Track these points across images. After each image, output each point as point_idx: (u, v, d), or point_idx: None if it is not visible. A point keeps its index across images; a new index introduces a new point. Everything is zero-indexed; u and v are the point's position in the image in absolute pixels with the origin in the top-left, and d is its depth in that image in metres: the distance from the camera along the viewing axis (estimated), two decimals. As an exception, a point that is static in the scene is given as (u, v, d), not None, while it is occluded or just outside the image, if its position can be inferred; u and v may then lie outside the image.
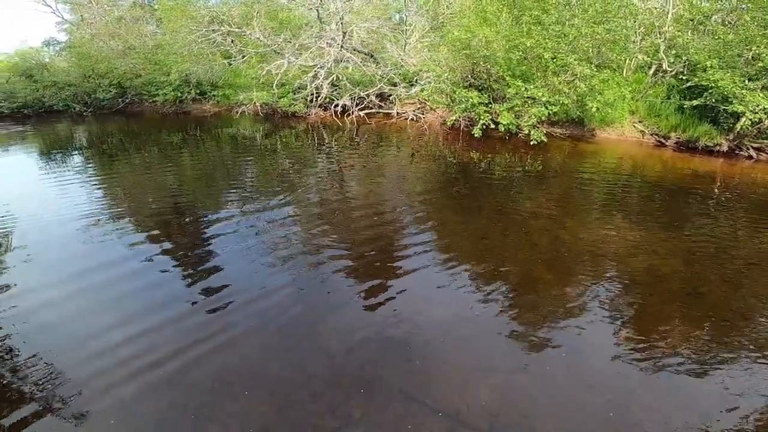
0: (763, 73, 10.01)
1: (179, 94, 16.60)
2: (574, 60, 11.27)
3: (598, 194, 7.79)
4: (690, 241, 5.76)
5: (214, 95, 17.33)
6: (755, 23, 10.50)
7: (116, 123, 15.61)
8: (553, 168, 9.66)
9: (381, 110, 15.10)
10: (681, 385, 3.29)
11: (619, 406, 3.08)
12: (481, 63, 12.50)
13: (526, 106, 11.73)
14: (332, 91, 15.14)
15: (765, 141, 10.49)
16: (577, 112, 12.36)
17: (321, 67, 14.65)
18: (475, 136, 11.72)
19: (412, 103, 15.32)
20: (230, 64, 17.50)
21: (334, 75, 14.83)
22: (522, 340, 3.73)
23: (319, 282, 4.61)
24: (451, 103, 12.96)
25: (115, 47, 17.79)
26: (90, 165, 9.83)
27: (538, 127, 11.26)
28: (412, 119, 14.22)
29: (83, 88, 17.00)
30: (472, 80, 13.00)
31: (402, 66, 15.52)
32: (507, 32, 12.03)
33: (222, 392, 3.15)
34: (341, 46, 14.83)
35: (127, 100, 17.62)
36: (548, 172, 9.38)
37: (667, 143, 11.51)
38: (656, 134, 11.86)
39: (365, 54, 15.84)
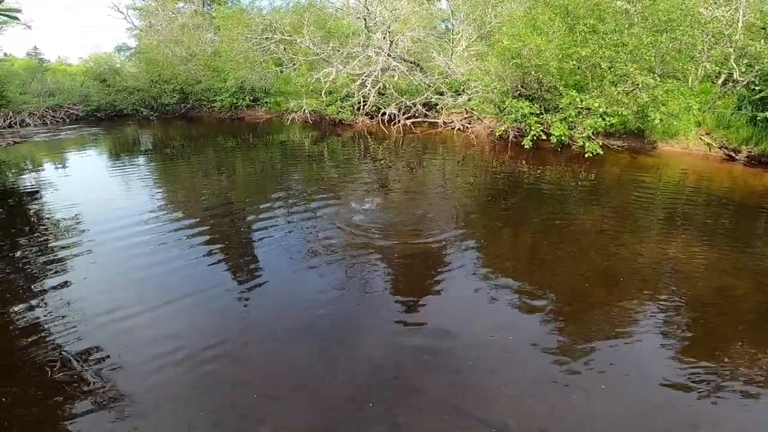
0: None
1: (235, 101, 17.45)
2: (635, 69, 10.74)
3: (659, 210, 7.31)
4: (761, 261, 5.25)
5: (266, 102, 18.06)
6: None
7: (178, 127, 16.65)
8: (609, 181, 9.19)
9: (427, 119, 15.09)
10: (748, 406, 2.97)
11: (680, 427, 2.83)
12: (532, 72, 12.18)
13: (581, 117, 11.29)
14: (379, 100, 15.33)
15: None
16: (637, 124, 11.72)
17: (368, 76, 14.90)
18: (525, 147, 11.40)
19: (459, 113, 15.19)
20: (281, 72, 18.19)
21: (381, 83, 15.02)
22: (574, 357, 3.53)
23: (361, 288, 4.62)
24: (500, 113, 12.71)
25: (179, 53, 19.03)
26: (153, 167, 10.55)
27: (593, 139, 10.78)
28: (459, 129, 14.08)
29: (150, 93, 18.29)
30: (523, 90, 12.69)
31: (448, 75, 15.47)
32: (560, 41, 11.68)
33: (266, 394, 3.20)
34: (388, 55, 15.02)
35: (188, 106, 18.76)
36: (604, 185, 8.93)
37: (737, 157, 10.61)
38: (725, 147, 10.98)
39: (411, 63, 15.95)
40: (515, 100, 12.11)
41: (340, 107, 15.48)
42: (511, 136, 12.39)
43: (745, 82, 11.95)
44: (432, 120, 14.98)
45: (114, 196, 7.95)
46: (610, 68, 10.97)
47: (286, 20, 17.47)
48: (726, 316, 4.16)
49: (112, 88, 18.50)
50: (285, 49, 17.75)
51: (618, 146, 11.93)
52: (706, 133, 11.60)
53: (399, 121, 14.62)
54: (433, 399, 3.16)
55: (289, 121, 15.55)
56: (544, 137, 11.54)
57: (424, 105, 15.36)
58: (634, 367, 3.43)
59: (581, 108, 11.21)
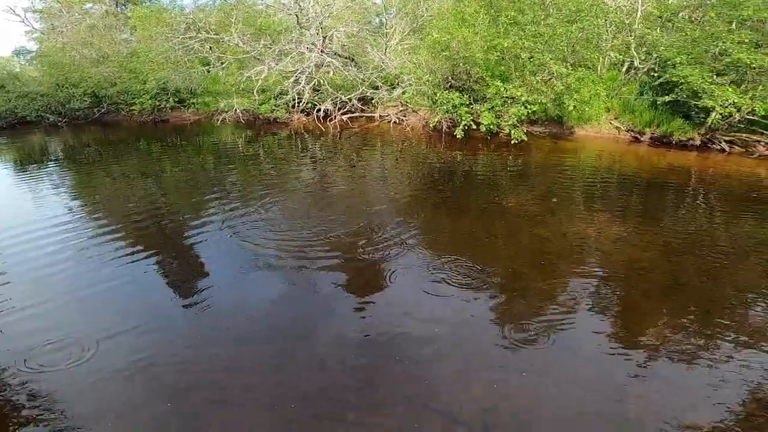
0: (731, 68, 10.35)
1: (157, 103, 16.31)
2: (550, 59, 11.52)
3: (579, 190, 7.97)
4: (668, 234, 5.93)
5: (193, 103, 17.08)
6: (720, 19, 10.86)
7: (92, 133, 15.25)
8: (534, 166, 9.84)
9: (363, 114, 15.13)
10: (668, 377, 3.37)
11: (609, 401, 3.15)
12: (461, 64, 12.65)
13: (506, 106, 11.92)
14: (314, 96, 15.10)
15: (736, 134, 10.87)
16: (556, 111, 12.60)
17: (302, 72, 14.61)
18: (458, 137, 11.84)
19: (395, 106, 15.39)
20: (209, 71, 17.28)
21: (316, 80, 14.80)
22: (511, 339, 3.78)
23: (306, 287, 4.60)
24: (433, 105, 13.07)
25: (88, 55, 17.37)
26: (66, 176, 9.58)
27: (518, 127, 11.44)
28: (395, 122, 14.29)
29: (56, 97, 16.54)
30: (453, 81, 13.13)
31: (383, 69, 15.60)
32: (485, 33, 12.21)
33: (212, 399, 3.10)
34: (321, 51, 14.82)
35: (103, 110, 17.22)
36: (530, 170, 9.55)
37: (642, 139, 11.83)
38: (631, 130, 12.18)
39: (346, 58, 15.87)
40: (446, 91, 12.51)
41: (274, 105, 15.04)
42: (444, 127, 12.80)
43: (645, 69, 13.24)
44: (368, 114, 15.05)
45: (22, 206, 7.15)
46: (529, 58, 11.66)
47: (212, 18, 16.62)
48: (639, 288, 4.63)
49: (11, 93, 16.51)
50: (211, 48, 16.88)
51: (541, 132, 12.78)
52: (615, 118, 12.77)
53: (335, 117, 14.52)
54: (381, 393, 3.24)
55: (219, 122, 14.84)
56: (474, 127, 12.05)
57: (360, 100, 15.37)
58: (563, 345, 3.74)
59: (506, 97, 11.83)
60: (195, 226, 6.25)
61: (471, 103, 12.49)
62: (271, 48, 15.20)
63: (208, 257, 5.27)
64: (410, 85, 13.89)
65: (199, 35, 15.88)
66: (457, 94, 12.27)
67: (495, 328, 3.94)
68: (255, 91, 14.63)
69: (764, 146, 10.43)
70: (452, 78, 13.24)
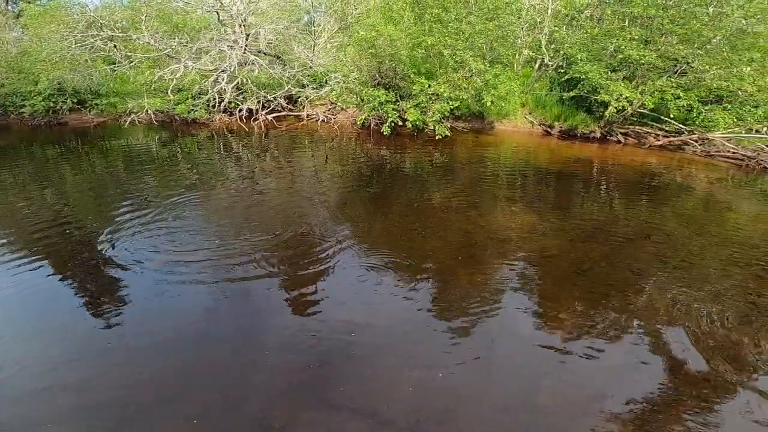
0: (624, 64, 11.48)
1: (51, 104, 14.51)
2: (470, 56, 12.01)
3: (497, 183, 8.44)
4: (573, 222, 6.49)
5: (96, 104, 15.43)
6: (615, 17, 11.97)
7: (-28, 140, 13.18)
8: (458, 160, 10.24)
9: (291, 113, 14.71)
10: (576, 364, 3.64)
11: (527, 393, 3.35)
12: (387, 62, 12.75)
13: (431, 102, 12.24)
14: (237, 96, 14.37)
15: (630, 127, 12.16)
16: (477, 107, 13.20)
17: (222, 71, 13.82)
18: (384, 134, 11.96)
19: (323, 105, 15.14)
20: (114, 71, 15.71)
21: (239, 79, 14.08)
22: (441, 335, 3.91)
23: (235, 295, 4.40)
24: (361, 103, 13.06)
25: (-32, 55, 14.97)
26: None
27: (442, 123, 11.82)
28: (323, 121, 14.06)
29: (-76, 101, 14.09)
30: (380, 79, 13.22)
31: (311, 67, 15.27)
32: (410, 31, 12.41)
33: (135, 415, 2.85)
34: (245, 49, 14.13)
35: (-14, 114, 14.97)
36: (454, 164, 9.92)
37: (552, 132, 12.81)
38: (543, 124, 13.15)
39: (272, 56, 15.29)
40: (373, 89, 12.55)
41: (192, 105, 14.07)
42: (372, 125, 12.86)
43: (554, 66, 14.30)
44: (296, 113, 14.66)
45: None
46: (451, 56, 12.05)
47: (119, 15, 15.11)
48: (550, 276, 5.00)
49: None
50: (116, 46, 15.35)
51: (464, 128, 13.34)
52: (529, 113, 13.69)
53: (260, 117, 13.95)
54: (305, 395, 3.18)
55: (127, 124, 13.57)
56: (401, 123, 12.25)
57: (287, 99, 14.91)
58: (484, 337, 3.93)
59: (431, 94, 12.15)
60: (104, 235, 5.62)
61: (397, 100, 12.66)
62: (187, 46, 14.19)
63: (121, 270, 4.80)
64: (338, 83, 13.75)
65: (102, 33, 14.38)
66: (383, 91, 12.37)
67: (423, 324, 4.06)
68: (169, 91, 13.57)
69: (654, 137, 11.79)
70: (379, 75, 13.31)
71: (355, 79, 13.21)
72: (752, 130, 10.52)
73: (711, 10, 9.95)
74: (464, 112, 13.83)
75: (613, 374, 3.55)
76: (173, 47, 14.01)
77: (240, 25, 14.18)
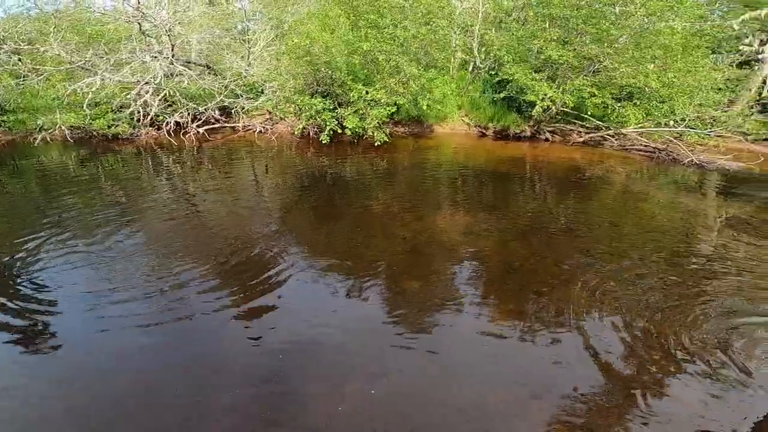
0: (547, 64, 12.16)
1: (-54, 124, 12.88)
2: (405, 61, 12.18)
3: (437, 186, 8.60)
4: (506, 221, 6.73)
5: (3, 121, 13.92)
6: (537, 19, 12.64)
7: None
8: (398, 165, 10.32)
9: (225, 125, 14.12)
10: (513, 363, 3.71)
11: (477, 393, 3.35)
12: (323, 69, 12.60)
13: (370, 108, 12.26)
14: (165, 108, 13.54)
15: (556, 125, 12.93)
16: (416, 111, 13.42)
17: (147, 83, 12.97)
18: (324, 142, 11.81)
19: (261, 115, 14.70)
20: (20, 85, 14.25)
21: (166, 90, 13.28)
22: (383, 341, 3.88)
23: (180, 312, 4.16)
24: (299, 112, 12.81)
25: None
26: None
27: (381, 128, 11.88)
28: (261, 131, 13.62)
29: None
30: (317, 87, 13.05)
31: (246, 77, 14.77)
32: (346, 37, 12.36)
33: None
34: (171, 60, 13.35)
35: None
36: (395, 169, 9.99)
37: (487, 133, 13.33)
38: (478, 126, 13.64)
39: (203, 66, 14.59)
40: (309, 97, 12.35)
41: (112, 120, 13.06)
42: (311, 133, 12.65)
43: (486, 68, 14.90)
44: (231, 125, 14.09)
45: None
46: (387, 61, 12.15)
47: (26, 27, 13.75)
48: (483, 277, 5.12)
49: None
50: (20, 59, 13.95)
51: (404, 132, 13.51)
52: (465, 115, 14.14)
53: (192, 130, 13.25)
54: (247, 411, 3.03)
55: (38, 141, 12.33)
56: (341, 131, 12.15)
57: (220, 110, 14.29)
58: (432, 340, 3.92)
59: (369, 100, 12.17)
60: (20, 268, 4.98)
61: (336, 108, 12.55)
62: (104, 57, 13.16)
63: (46, 303, 4.27)
64: (274, 92, 13.39)
65: (5, 46, 13.01)
66: (320, 99, 12.21)
67: (370, 332, 4.02)
68: (85, 105, 12.52)
69: (578, 134, 12.62)
70: (316, 83, 13.15)
71: (292, 87, 12.95)
72: (660, 123, 11.56)
73: (617, 9, 10.80)
74: (404, 116, 14.02)
75: (554, 367, 3.63)
76: (88, 59, 12.94)
77: (166, 35, 13.41)
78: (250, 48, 15.66)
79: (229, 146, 12.77)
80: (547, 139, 12.60)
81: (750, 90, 15.75)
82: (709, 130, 11.18)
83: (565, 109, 12.38)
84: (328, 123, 11.89)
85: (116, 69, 13.11)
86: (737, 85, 15.49)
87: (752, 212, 7.35)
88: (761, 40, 16.45)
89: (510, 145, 12.26)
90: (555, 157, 10.96)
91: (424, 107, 12.07)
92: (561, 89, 11.67)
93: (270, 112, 14.20)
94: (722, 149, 10.94)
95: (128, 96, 13.05)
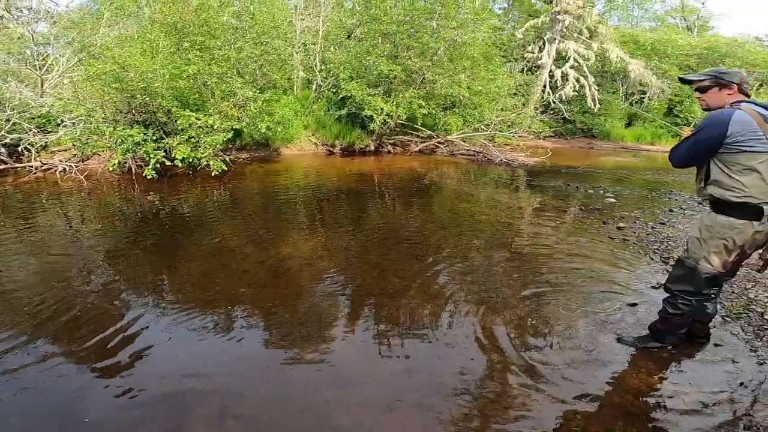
0: (380, 79, 12.88)
1: None
2: (239, 83, 11.52)
3: (286, 210, 8.19)
4: (350, 238, 6.71)
5: None
6: (370, 35, 13.33)
7: None
8: (245, 193, 9.61)
9: (15, 166, 11.30)
10: (362, 382, 3.51)
11: (322, 417, 3.01)
12: (139, 96, 11.06)
13: (204, 136, 11.20)
14: None
15: (396, 137, 13.81)
16: (259, 135, 12.80)
17: None
18: (150, 177, 10.32)
19: (65, 150, 12.20)
20: None
21: None
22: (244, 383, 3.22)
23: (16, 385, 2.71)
24: (114, 145, 10.99)
25: None
26: None
27: (218, 156, 10.95)
28: (64, 171, 11.23)
29: None
30: (134, 116, 11.40)
31: (39, 107, 12.09)
32: (167, 60, 11.08)
33: None
34: None
35: None
36: (240, 198, 9.24)
37: (334, 151, 13.50)
38: (326, 144, 13.73)
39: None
40: (126, 127, 10.70)
41: None
42: (134, 169, 10.96)
43: (328, 86, 15.12)
44: (21, 166, 11.34)
45: None
46: (217, 84, 11.30)
47: None
48: (327, 302, 4.87)
49: None
50: None
51: (248, 158, 12.75)
52: (312, 134, 14.10)
53: (-40, 179, 10.22)
54: None
55: None
56: (171, 163, 10.81)
57: (6, 148, 11.40)
58: (285, 372, 3.42)
59: (203, 127, 11.12)
60: None
61: (162, 138, 11.14)
62: None
63: None
64: (76, 123, 11.24)
65: None
66: (139, 129, 10.67)
67: (238, 370, 3.29)
68: None
69: (414, 144, 13.68)
70: (132, 112, 11.48)
71: (102, 118, 11.07)
72: (477, 129, 13.33)
73: (435, 23, 12.08)
74: (248, 141, 13.27)
75: (403, 377, 3.50)
76: None
77: None
78: (42, 75, 12.97)
79: (25, 191, 10.21)
80: (389, 152, 13.33)
81: (535, 93, 19.42)
82: (512, 131, 13.31)
83: (402, 122, 13.31)
84: (151, 156, 10.43)
85: None
86: (527, 90, 18.95)
87: (547, 200, 8.88)
88: (539, 47, 20.28)
89: (356, 160, 12.59)
90: (397, 168, 11.62)
91: (263, 129, 11.58)
92: (394, 102, 12.50)
93: (75, 147, 11.88)
94: (523, 147, 13.14)
95: None
